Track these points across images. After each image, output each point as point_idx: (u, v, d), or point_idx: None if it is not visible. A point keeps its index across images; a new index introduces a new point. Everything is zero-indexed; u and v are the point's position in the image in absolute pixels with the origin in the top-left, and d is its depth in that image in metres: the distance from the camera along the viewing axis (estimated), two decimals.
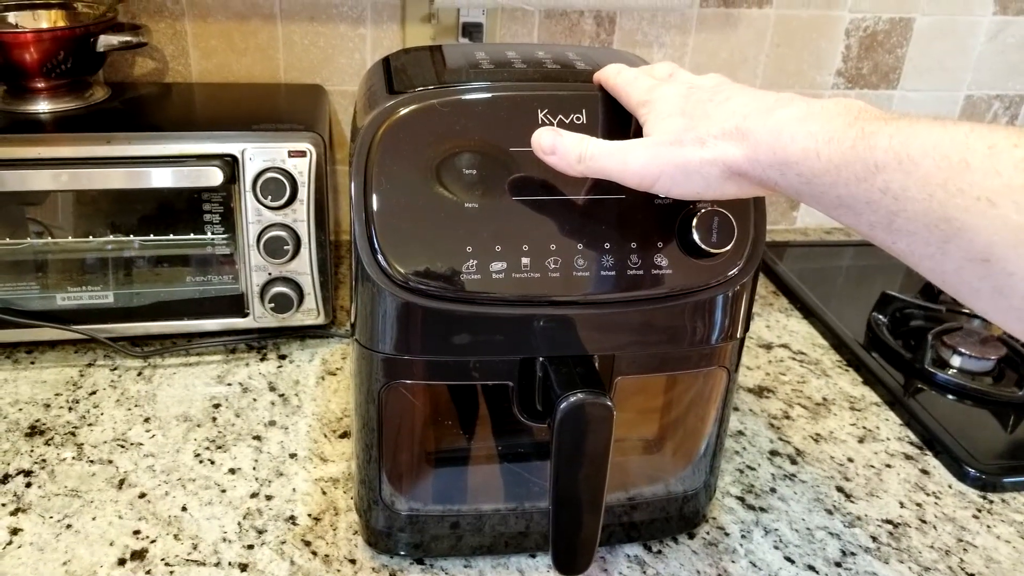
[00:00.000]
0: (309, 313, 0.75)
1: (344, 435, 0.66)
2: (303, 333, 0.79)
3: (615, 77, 0.45)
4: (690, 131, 0.38)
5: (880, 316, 0.85)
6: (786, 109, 0.36)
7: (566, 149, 0.42)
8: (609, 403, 0.43)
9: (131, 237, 0.72)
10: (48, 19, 0.81)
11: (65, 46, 0.74)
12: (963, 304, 0.32)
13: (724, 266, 0.47)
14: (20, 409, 0.67)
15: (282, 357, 0.76)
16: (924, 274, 0.32)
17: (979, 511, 0.62)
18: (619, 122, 0.45)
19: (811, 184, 0.34)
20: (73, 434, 0.65)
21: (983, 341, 0.78)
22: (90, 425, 0.66)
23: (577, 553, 0.48)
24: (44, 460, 0.62)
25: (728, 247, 0.46)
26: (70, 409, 0.67)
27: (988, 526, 0.61)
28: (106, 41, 0.76)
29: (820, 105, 0.35)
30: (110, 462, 0.62)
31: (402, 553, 0.55)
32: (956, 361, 0.77)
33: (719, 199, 0.40)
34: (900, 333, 0.84)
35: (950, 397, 0.75)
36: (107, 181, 0.68)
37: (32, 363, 0.73)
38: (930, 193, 0.29)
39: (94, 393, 0.70)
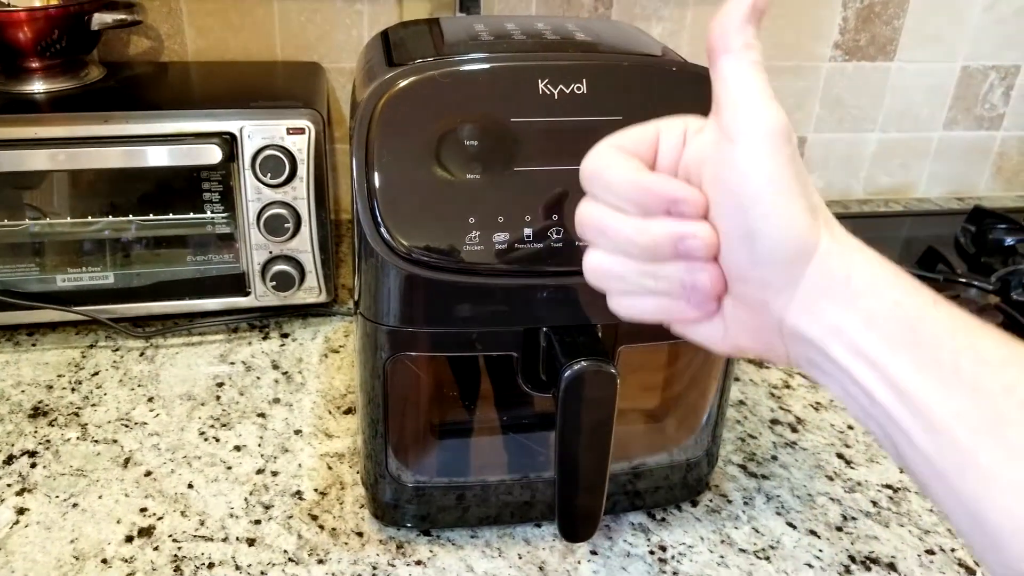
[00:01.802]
0: (311, 291, 0.75)
1: (348, 411, 0.67)
2: (305, 311, 0.79)
3: None
4: None
5: None
6: None
7: None
8: (613, 370, 0.44)
9: (130, 217, 0.71)
10: None
11: (59, 25, 0.74)
12: None
13: None
14: (23, 391, 0.67)
15: (284, 336, 0.76)
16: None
17: None
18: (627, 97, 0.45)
19: None
20: (77, 415, 0.65)
21: (980, 310, 0.79)
22: (93, 405, 0.66)
23: (583, 521, 0.48)
24: (48, 441, 0.62)
25: None
26: (73, 390, 0.68)
27: None
28: (100, 19, 0.75)
29: None
30: (115, 441, 0.62)
31: (409, 525, 0.55)
32: None
33: None
34: None
35: None
36: (105, 160, 0.68)
37: (33, 345, 0.73)
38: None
39: (97, 374, 0.70)
